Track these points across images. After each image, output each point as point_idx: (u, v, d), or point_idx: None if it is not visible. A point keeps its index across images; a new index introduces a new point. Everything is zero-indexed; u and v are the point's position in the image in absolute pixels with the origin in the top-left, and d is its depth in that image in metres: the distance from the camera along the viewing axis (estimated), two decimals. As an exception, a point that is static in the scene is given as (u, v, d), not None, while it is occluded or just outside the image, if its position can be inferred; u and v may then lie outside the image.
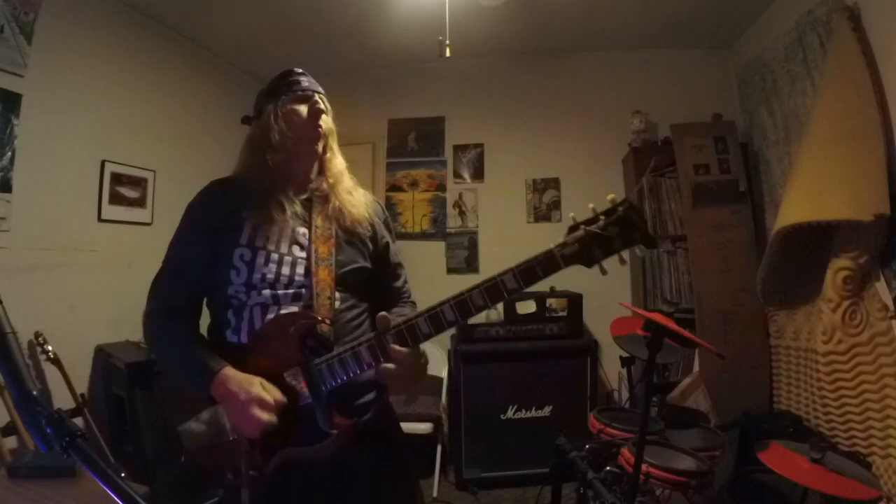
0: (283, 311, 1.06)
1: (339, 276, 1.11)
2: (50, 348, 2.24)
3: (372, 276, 1.19)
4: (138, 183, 2.89)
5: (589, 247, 0.90)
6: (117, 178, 2.75)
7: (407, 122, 3.84)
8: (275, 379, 1.01)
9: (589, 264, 0.91)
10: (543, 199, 3.66)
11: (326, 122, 1.20)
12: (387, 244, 1.26)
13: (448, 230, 3.74)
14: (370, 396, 1.14)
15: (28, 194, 2.28)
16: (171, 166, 3.08)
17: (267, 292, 1.07)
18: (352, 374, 1.01)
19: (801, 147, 2.35)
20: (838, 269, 2.12)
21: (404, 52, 3.50)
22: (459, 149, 3.78)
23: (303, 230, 1.14)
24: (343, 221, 1.16)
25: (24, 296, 2.23)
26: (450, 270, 3.70)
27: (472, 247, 3.70)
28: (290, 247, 1.11)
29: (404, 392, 1.05)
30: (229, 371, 1.01)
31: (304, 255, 1.11)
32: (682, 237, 3.06)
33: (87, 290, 2.56)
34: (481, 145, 3.76)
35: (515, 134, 3.70)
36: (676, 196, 3.11)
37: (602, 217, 0.91)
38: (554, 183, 3.65)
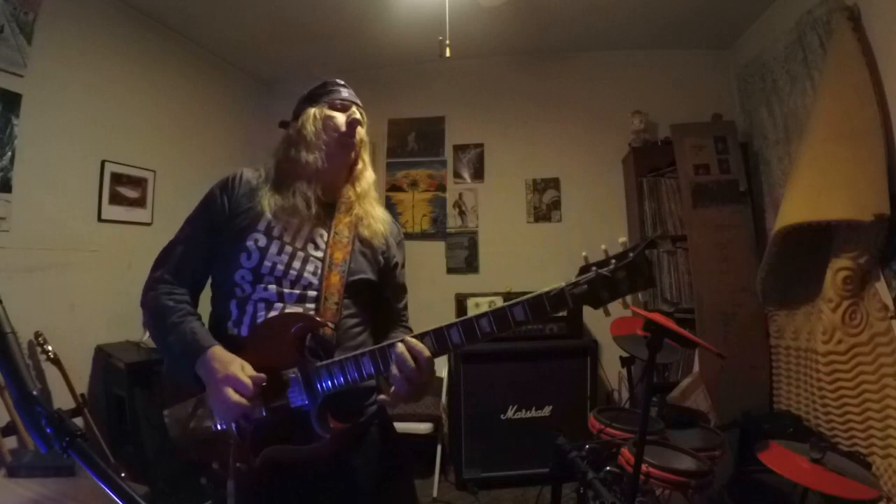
0: (287, 310, 1.06)
1: (348, 284, 1.11)
2: (50, 348, 2.24)
3: (376, 291, 1.20)
4: (138, 183, 2.89)
5: (597, 289, 0.92)
6: (117, 178, 2.75)
7: (407, 122, 3.84)
8: (272, 376, 1.01)
9: (596, 306, 0.94)
10: (543, 199, 3.66)
11: (361, 133, 1.22)
12: (396, 264, 1.27)
13: (448, 230, 3.74)
14: (367, 401, 1.15)
15: (28, 194, 2.28)
16: (171, 166, 3.08)
17: (273, 288, 1.07)
18: (351, 381, 1.00)
19: (801, 147, 2.36)
20: (838, 269, 2.12)
21: (404, 52, 3.50)
22: (459, 149, 3.78)
23: (322, 231, 1.15)
24: (362, 231, 1.18)
25: (24, 296, 2.23)
26: (450, 270, 3.70)
27: (472, 247, 3.70)
28: (305, 243, 1.12)
29: (398, 403, 1.04)
30: (217, 350, 1.01)
31: (318, 254, 1.12)
32: (682, 237, 3.06)
33: (87, 290, 2.56)
34: (481, 145, 3.76)
35: (515, 134, 3.71)
36: (676, 196, 3.11)
37: (613, 261, 0.93)
38: (554, 183, 3.65)
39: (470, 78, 3.74)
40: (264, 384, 0.99)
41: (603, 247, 0.96)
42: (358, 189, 1.21)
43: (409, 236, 3.75)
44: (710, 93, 3.41)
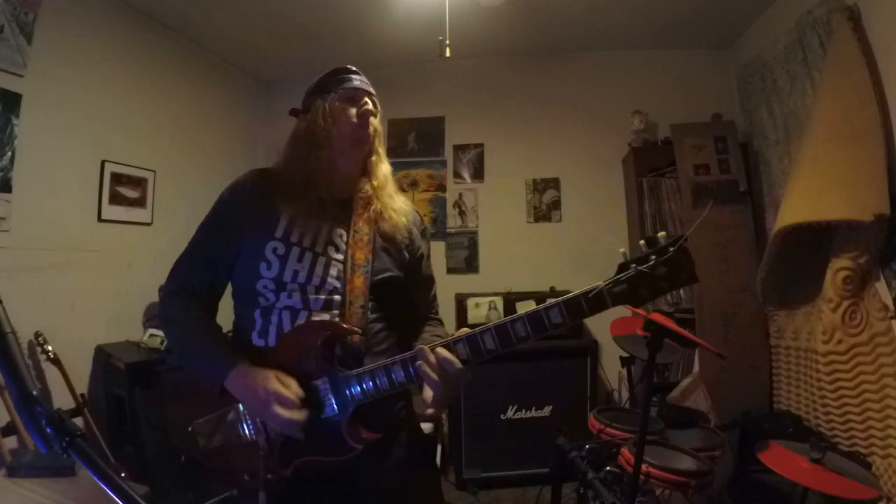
0: (314, 318, 1.03)
1: (373, 284, 1.07)
2: (50, 348, 2.24)
3: (403, 286, 1.15)
4: (138, 183, 2.89)
5: (637, 286, 0.87)
6: (117, 178, 2.75)
7: (407, 122, 3.84)
8: (301, 386, 0.99)
9: (636, 304, 0.89)
10: (543, 199, 3.66)
11: (374, 124, 1.16)
12: (422, 255, 1.21)
13: (448, 230, 3.74)
14: (397, 407, 1.12)
15: (28, 194, 2.28)
16: (171, 166, 3.08)
17: (297, 296, 1.03)
18: (382, 390, 0.97)
19: (801, 147, 2.36)
20: (838, 269, 2.12)
21: (404, 52, 3.50)
22: (459, 149, 3.78)
23: (341, 231, 1.10)
24: (382, 227, 1.12)
25: (24, 296, 2.23)
26: (450, 270, 3.69)
27: (472, 247, 3.70)
28: (325, 247, 1.07)
29: (435, 411, 1.01)
30: (244, 366, 0.99)
31: (339, 257, 1.07)
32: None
33: (87, 290, 2.56)
34: (481, 145, 3.76)
35: (515, 134, 3.71)
36: (676, 196, 3.11)
37: (653, 256, 0.88)
38: (554, 183, 3.65)
39: (470, 78, 3.74)
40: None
41: (641, 241, 0.91)
42: (374, 182, 1.15)
43: (409, 236, 3.75)
44: (710, 93, 3.41)
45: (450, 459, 3.03)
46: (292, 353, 1.00)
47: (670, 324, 1.53)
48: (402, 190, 3.72)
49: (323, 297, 1.04)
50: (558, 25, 3.21)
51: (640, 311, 1.66)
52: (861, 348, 2.07)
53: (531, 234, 3.61)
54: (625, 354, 2.27)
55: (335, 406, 0.98)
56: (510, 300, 3.00)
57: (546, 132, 3.66)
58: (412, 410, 1.19)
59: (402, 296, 1.15)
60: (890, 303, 1.99)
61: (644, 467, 1.54)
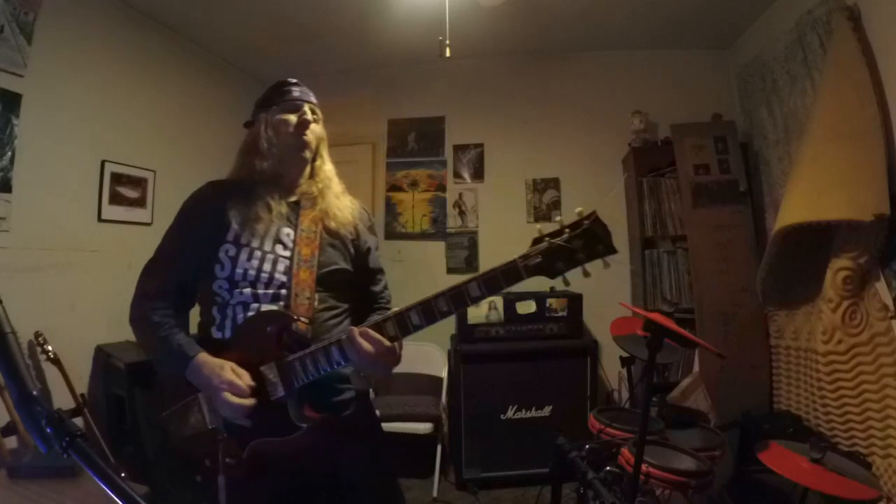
0: (263, 309, 1.11)
1: (320, 277, 1.15)
2: (50, 348, 2.24)
3: (352, 279, 1.24)
4: (138, 183, 2.89)
5: (552, 259, 0.94)
6: (117, 178, 2.75)
7: (407, 122, 3.84)
8: (253, 373, 1.05)
9: (551, 276, 0.95)
10: (543, 199, 3.66)
11: (314, 131, 1.26)
12: (368, 249, 1.31)
13: (448, 230, 3.74)
14: (346, 395, 1.19)
15: (28, 194, 2.28)
16: (171, 166, 3.08)
17: (248, 291, 1.12)
18: (322, 372, 1.05)
19: (800, 147, 2.36)
20: (838, 269, 2.12)
21: (404, 52, 3.50)
22: (459, 149, 3.78)
23: (288, 230, 1.19)
24: (328, 223, 1.22)
25: (24, 296, 2.23)
26: (450, 270, 3.70)
27: (472, 247, 3.70)
28: (273, 245, 1.16)
29: (374, 378, 1.11)
30: (203, 357, 1.06)
31: (286, 254, 1.16)
32: (682, 237, 3.06)
33: (87, 290, 2.56)
34: (481, 145, 3.76)
35: (515, 134, 3.70)
36: (676, 196, 3.11)
37: (567, 230, 0.94)
38: (554, 183, 3.65)
39: (470, 78, 3.74)
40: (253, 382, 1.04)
41: (558, 217, 0.97)
42: (319, 184, 1.25)
43: (409, 236, 3.75)
44: (710, 93, 3.40)
45: (450, 459, 3.03)
46: (245, 342, 1.08)
47: (670, 324, 1.53)
48: (402, 190, 3.78)
49: (271, 291, 1.13)
50: (558, 25, 3.21)
51: (640, 310, 1.66)
52: (861, 348, 2.07)
53: (531, 234, 3.59)
54: (625, 354, 2.27)
55: (281, 388, 1.04)
56: (510, 300, 3.00)
57: (546, 132, 3.66)
58: (366, 407, 1.27)
59: (351, 287, 1.25)
60: (890, 303, 1.99)
61: (644, 467, 1.54)
